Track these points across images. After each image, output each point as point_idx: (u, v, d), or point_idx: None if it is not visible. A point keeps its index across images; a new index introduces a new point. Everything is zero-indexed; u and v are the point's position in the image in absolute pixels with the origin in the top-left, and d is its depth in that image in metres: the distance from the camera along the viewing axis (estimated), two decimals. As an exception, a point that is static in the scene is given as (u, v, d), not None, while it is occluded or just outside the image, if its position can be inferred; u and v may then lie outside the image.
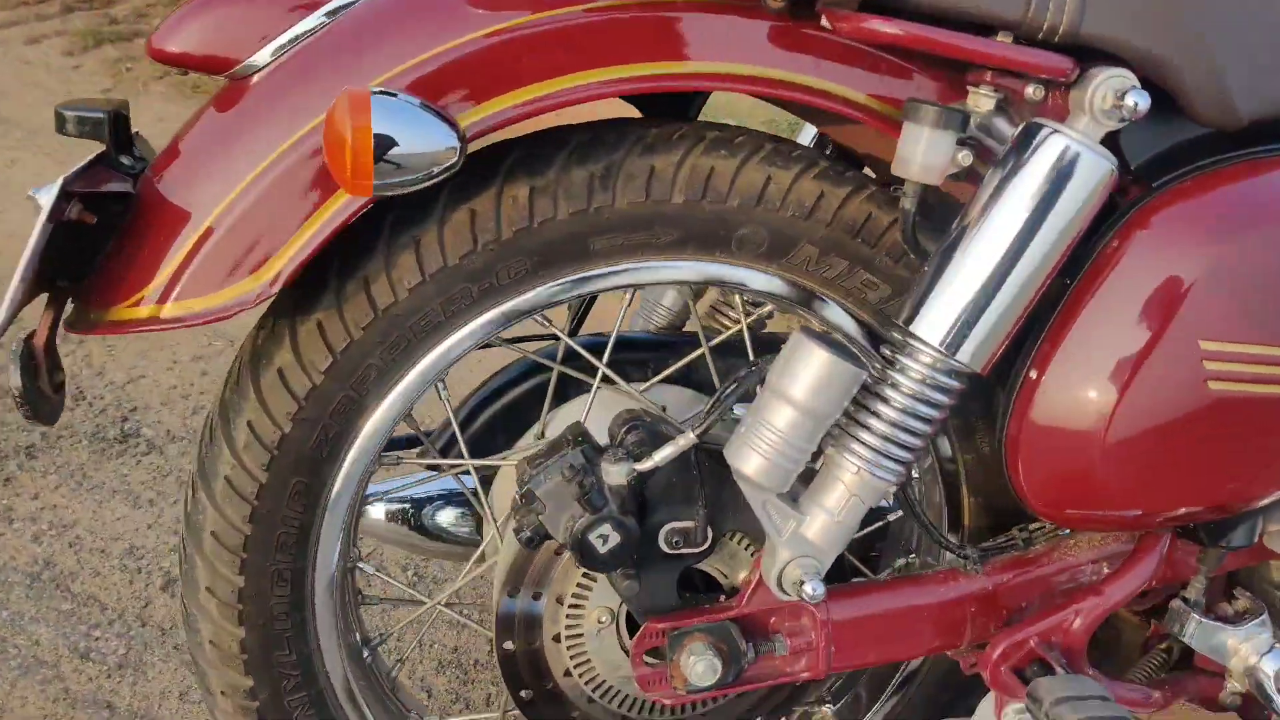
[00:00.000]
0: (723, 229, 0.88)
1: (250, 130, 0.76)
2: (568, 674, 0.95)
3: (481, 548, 1.06)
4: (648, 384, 1.05)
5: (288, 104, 0.75)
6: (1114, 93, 0.75)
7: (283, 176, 0.74)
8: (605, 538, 0.83)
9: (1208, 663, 1.05)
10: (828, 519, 0.83)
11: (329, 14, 0.77)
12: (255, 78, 0.77)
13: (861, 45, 0.81)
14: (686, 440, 0.83)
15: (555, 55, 0.76)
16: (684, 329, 1.27)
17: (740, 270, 0.91)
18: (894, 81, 0.83)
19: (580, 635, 0.94)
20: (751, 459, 0.80)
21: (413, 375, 0.87)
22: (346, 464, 0.89)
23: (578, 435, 0.86)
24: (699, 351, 1.03)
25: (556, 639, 0.94)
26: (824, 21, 0.79)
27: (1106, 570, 0.97)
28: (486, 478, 1.10)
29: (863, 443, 0.81)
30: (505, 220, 0.83)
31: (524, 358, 1.12)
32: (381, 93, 0.68)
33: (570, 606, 0.93)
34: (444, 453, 1.09)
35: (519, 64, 0.76)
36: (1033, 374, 0.84)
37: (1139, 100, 0.74)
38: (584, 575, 0.92)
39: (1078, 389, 0.83)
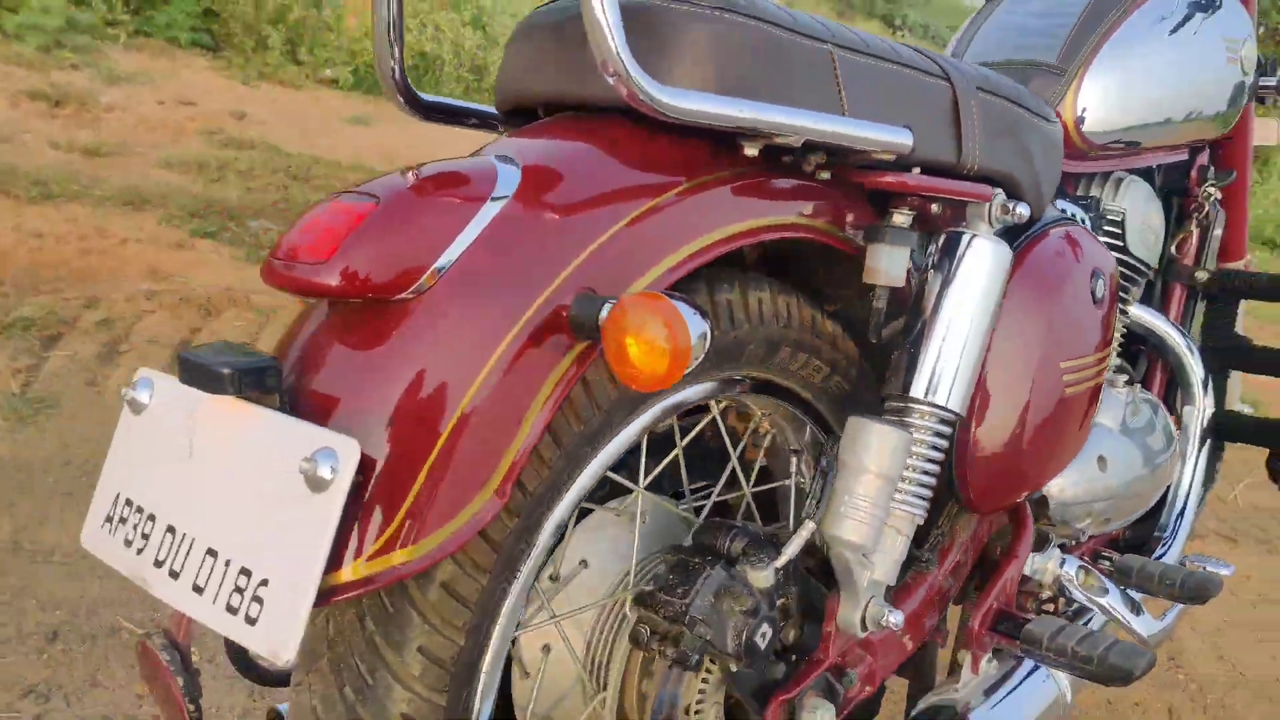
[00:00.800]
0: (737, 349, 1.03)
1: (447, 347, 0.73)
2: None
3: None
4: (633, 494, 1.14)
5: (481, 314, 0.75)
6: (1001, 206, 1.07)
7: (498, 387, 0.74)
8: (765, 635, 0.94)
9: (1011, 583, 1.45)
10: (886, 558, 1.03)
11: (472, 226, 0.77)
12: (423, 296, 0.75)
13: (828, 187, 1.02)
14: (809, 530, 0.97)
15: (674, 233, 0.86)
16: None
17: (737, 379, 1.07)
18: (845, 210, 1.06)
19: (704, 736, 1.02)
20: (853, 527, 0.98)
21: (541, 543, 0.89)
22: (490, 655, 0.87)
23: (705, 554, 0.95)
24: (674, 453, 1.16)
25: (687, 749, 1.01)
26: (819, 175, 0.99)
27: (972, 536, 1.31)
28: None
29: (900, 490, 1.03)
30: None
31: None
32: (667, 294, 0.73)
33: (695, 714, 1.00)
34: None
35: (648, 247, 0.84)
36: (965, 413, 1.13)
37: (1023, 210, 1.06)
38: (702, 680, 1.00)
39: (998, 416, 1.14)
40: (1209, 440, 1.88)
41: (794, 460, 1.21)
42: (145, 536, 0.72)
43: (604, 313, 0.75)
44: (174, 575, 0.69)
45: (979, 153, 1.05)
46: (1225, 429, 1.88)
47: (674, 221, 0.86)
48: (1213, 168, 1.89)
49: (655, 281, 0.85)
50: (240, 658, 0.94)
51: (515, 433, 0.76)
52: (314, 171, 4.48)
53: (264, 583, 0.65)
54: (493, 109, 1.05)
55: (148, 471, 0.74)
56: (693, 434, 1.19)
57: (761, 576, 0.94)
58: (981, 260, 1.05)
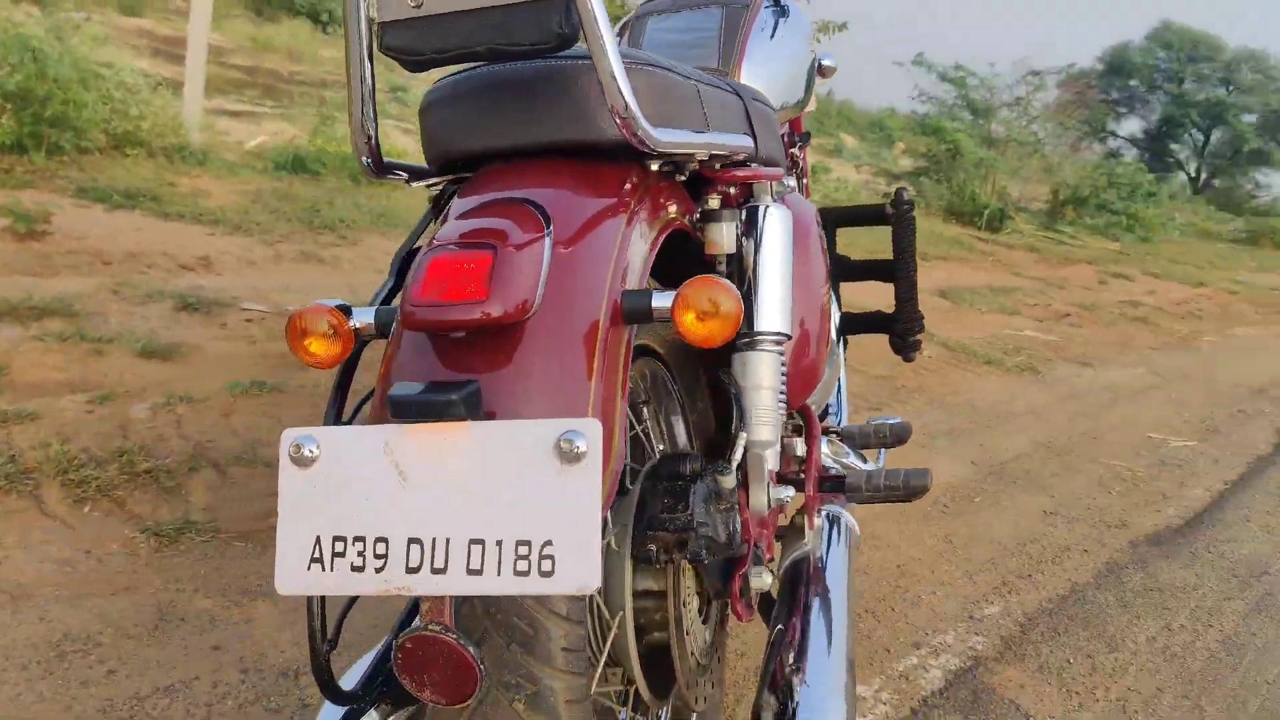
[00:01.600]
0: None
1: (568, 352, 0.93)
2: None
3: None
4: None
5: (577, 324, 0.95)
6: (780, 181, 1.46)
7: (604, 372, 0.96)
8: (739, 524, 1.24)
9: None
10: (773, 451, 1.39)
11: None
12: (535, 317, 0.93)
13: (680, 186, 1.33)
14: (743, 438, 1.28)
15: (644, 233, 1.12)
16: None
17: None
18: (688, 202, 1.37)
19: (692, 619, 1.30)
20: (766, 430, 1.31)
21: None
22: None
23: (676, 478, 1.22)
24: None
25: (687, 631, 1.28)
26: (681, 176, 1.30)
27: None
28: None
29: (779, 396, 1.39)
30: None
31: None
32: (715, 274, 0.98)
33: (686, 606, 1.28)
34: None
35: (638, 246, 1.09)
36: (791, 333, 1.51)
37: (791, 182, 1.46)
38: (688, 576, 1.28)
39: (804, 332, 1.53)
40: (842, 336, 2.50)
41: (644, 410, 1.51)
42: (381, 556, 0.83)
43: (655, 300, 1.00)
44: (439, 572, 0.82)
45: (765, 144, 1.43)
46: (850, 326, 2.51)
47: (641, 225, 1.12)
48: (794, 133, 2.50)
49: (645, 271, 1.10)
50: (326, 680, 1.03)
51: (617, 398, 0.98)
52: None
53: (548, 543, 0.82)
54: (423, 165, 1.20)
55: (350, 507, 0.85)
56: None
57: (727, 480, 1.24)
58: (777, 222, 1.43)
